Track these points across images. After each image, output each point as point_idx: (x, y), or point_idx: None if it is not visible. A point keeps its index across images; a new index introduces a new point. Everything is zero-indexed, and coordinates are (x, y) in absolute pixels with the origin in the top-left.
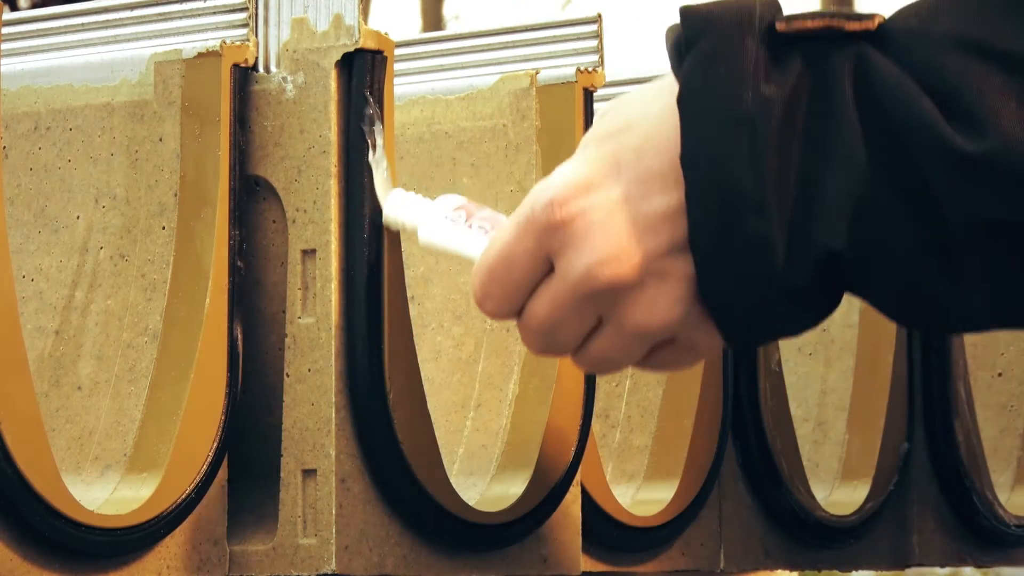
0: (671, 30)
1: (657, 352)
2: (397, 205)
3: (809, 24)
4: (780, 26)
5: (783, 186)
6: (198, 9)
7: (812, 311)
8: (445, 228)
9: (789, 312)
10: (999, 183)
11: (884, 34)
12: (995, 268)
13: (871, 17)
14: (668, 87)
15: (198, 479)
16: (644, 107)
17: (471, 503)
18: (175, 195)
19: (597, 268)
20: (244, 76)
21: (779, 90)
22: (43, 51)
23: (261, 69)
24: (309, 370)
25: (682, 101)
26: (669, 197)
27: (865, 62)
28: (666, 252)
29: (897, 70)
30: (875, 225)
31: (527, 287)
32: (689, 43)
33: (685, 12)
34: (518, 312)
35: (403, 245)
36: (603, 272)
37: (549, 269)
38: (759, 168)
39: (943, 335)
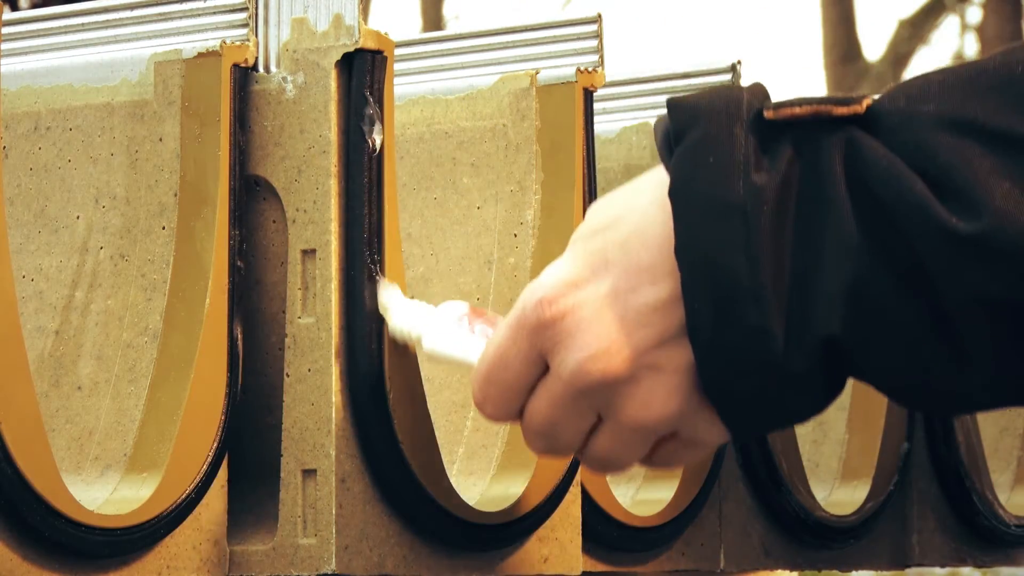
0: (659, 122)
1: (661, 448)
2: (401, 315)
3: (797, 111)
4: (768, 114)
5: (779, 274)
6: (198, 9)
7: (815, 397)
8: (448, 336)
9: (792, 399)
10: (995, 262)
11: (873, 116)
12: (995, 347)
13: (859, 100)
14: (655, 181)
15: (198, 479)
16: (630, 202)
17: (471, 503)
18: (175, 195)
19: (588, 364)
20: (244, 76)
21: (770, 177)
22: (43, 51)
23: (261, 69)
24: (309, 370)
25: (674, 192)
26: (658, 289)
27: (855, 146)
28: (657, 344)
29: (888, 152)
30: (872, 309)
31: (524, 388)
32: (678, 135)
33: (672, 104)
34: (519, 414)
35: (403, 245)
36: (594, 367)
37: (545, 369)
38: (754, 257)
39: (948, 413)
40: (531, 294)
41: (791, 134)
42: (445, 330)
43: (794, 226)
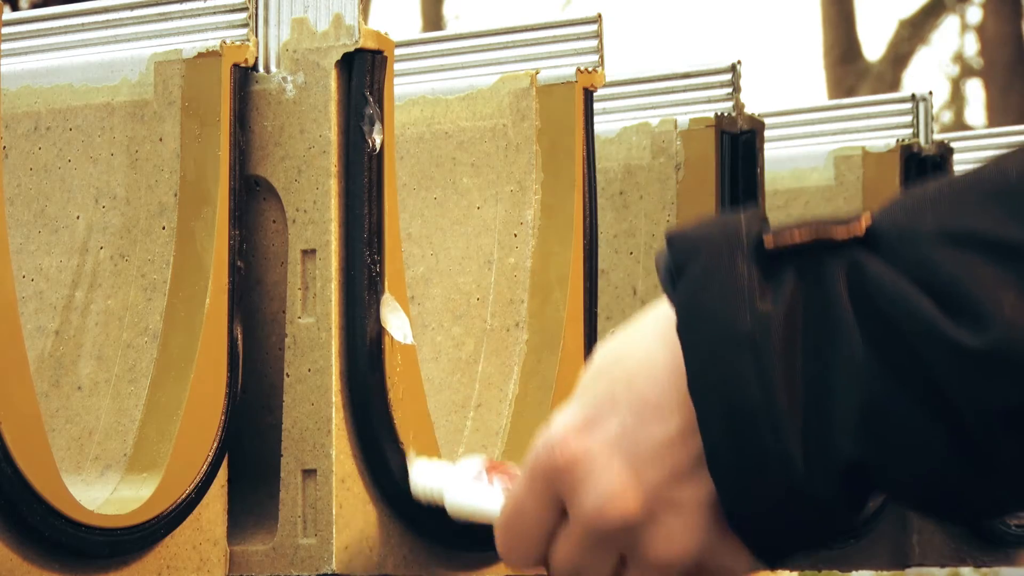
0: (660, 256)
1: None
2: (422, 474)
3: (797, 238)
4: (768, 241)
5: (793, 401)
6: (198, 9)
7: (842, 518)
8: (468, 490)
9: (818, 524)
10: (1008, 373)
11: (873, 235)
12: (1018, 454)
13: (858, 220)
14: (658, 316)
15: (198, 479)
16: (634, 340)
17: None
18: (175, 195)
19: (604, 507)
20: (244, 76)
21: (775, 305)
22: (43, 51)
23: (261, 69)
24: (309, 370)
25: (682, 327)
26: (667, 425)
27: (858, 267)
28: (672, 480)
29: (891, 271)
30: (891, 428)
31: (544, 534)
32: (679, 268)
33: (671, 238)
34: (544, 562)
35: (403, 245)
36: (611, 511)
37: (564, 513)
38: (767, 386)
39: (977, 522)
40: (543, 440)
41: (792, 259)
42: (465, 485)
43: (804, 352)
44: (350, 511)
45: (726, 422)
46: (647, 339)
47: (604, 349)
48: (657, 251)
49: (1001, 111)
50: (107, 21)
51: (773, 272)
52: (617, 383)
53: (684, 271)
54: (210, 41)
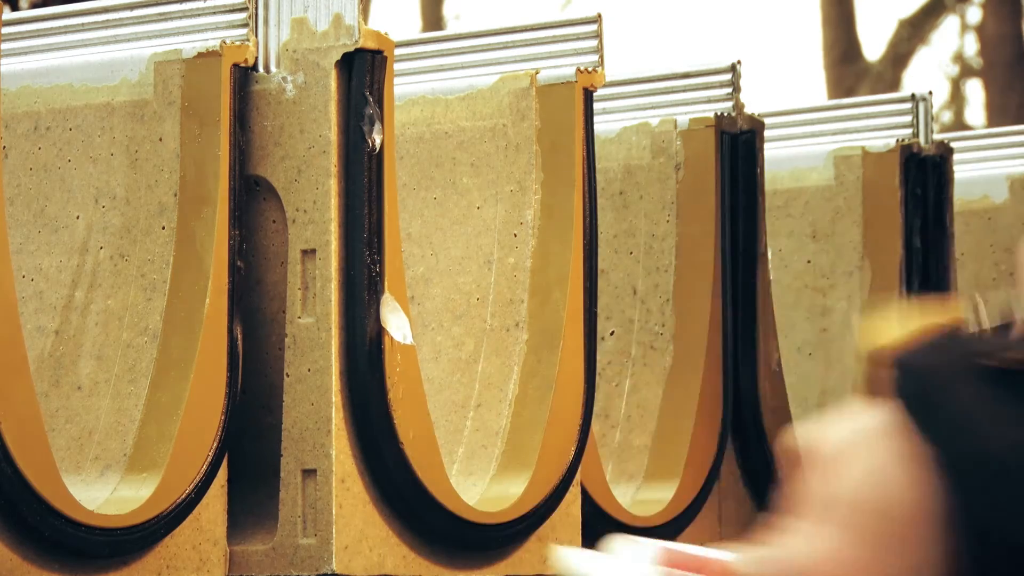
0: (880, 378)
1: None
2: (577, 565)
3: None
4: (1002, 364)
5: None
6: (198, 9)
7: None
8: None
9: None
10: None
11: None
12: None
13: None
14: (882, 438)
15: (198, 479)
16: (869, 464)
17: (471, 503)
18: (175, 195)
19: None
20: (244, 76)
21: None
22: (43, 51)
23: (261, 69)
24: (309, 370)
25: (941, 465)
26: (921, 553)
27: None
28: None
29: None
30: None
31: None
32: (918, 399)
33: (898, 363)
34: None
35: (403, 245)
36: None
37: None
38: None
39: None
40: (805, 572)
41: None
42: None
43: None
44: (350, 511)
45: (992, 556)
46: (896, 470)
47: (835, 472)
48: (865, 368)
49: (1001, 111)
50: (107, 21)
51: (1012, 393)
52: (866, 517)
53: (926, 402)
54: (210, 41)
